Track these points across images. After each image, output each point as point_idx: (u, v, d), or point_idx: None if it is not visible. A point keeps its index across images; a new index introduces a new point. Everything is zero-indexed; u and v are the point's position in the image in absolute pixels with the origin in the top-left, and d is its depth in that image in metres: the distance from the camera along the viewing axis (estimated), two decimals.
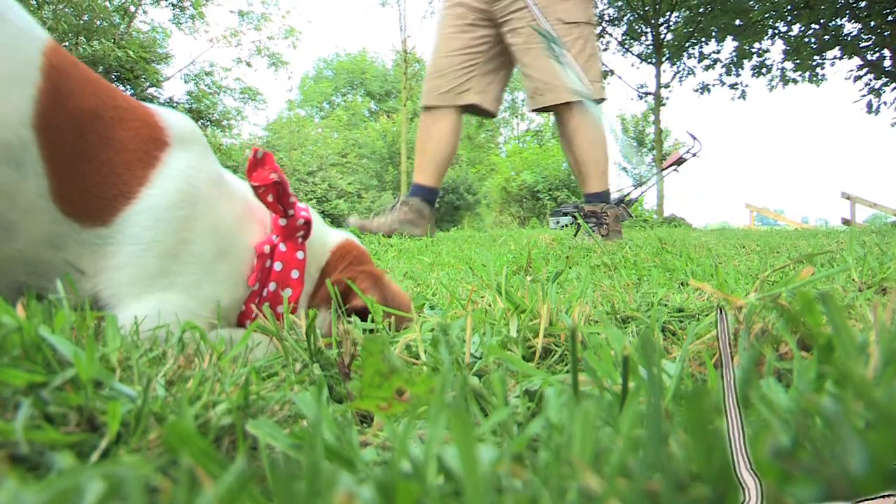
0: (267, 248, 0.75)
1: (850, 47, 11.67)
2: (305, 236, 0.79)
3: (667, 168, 9.59)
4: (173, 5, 16.78)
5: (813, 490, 0.22)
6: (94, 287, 0.62)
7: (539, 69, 3.08)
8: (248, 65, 18.55)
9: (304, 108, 34.54)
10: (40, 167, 0.58)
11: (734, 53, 13.98)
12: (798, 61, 12.72)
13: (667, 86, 15.02)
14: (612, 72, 15.68)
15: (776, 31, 12.94)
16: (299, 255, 0.77)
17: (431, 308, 0.96)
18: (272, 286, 0.75)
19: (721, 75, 14.46)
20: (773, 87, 13.57)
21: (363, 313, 0.79)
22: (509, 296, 0.70)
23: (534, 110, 3.19)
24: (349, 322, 0.71)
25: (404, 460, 0.25)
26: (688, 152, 9.47)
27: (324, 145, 22.53)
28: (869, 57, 11.63)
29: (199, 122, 16.96)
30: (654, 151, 16.66)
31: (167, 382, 0.43)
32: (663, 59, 14.68)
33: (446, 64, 3.25)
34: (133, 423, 0.34)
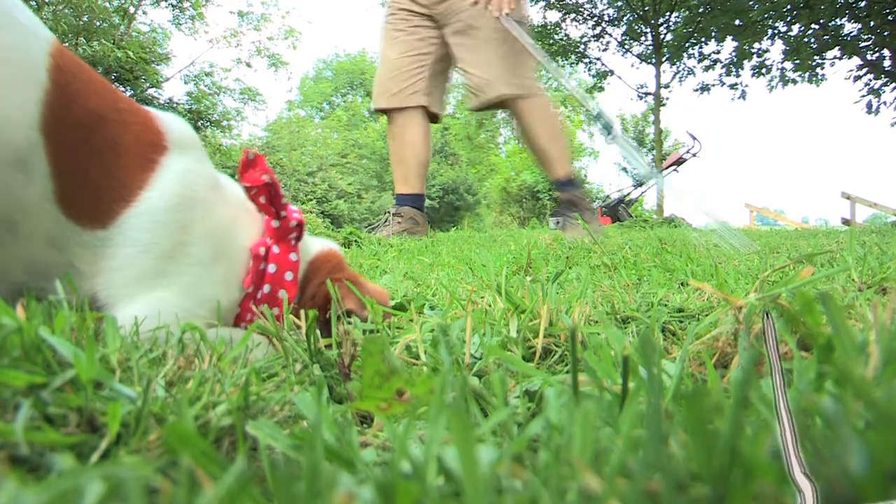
0: (262, 250, 0.75)
1: (849, 47, 11.67)
2: (298, 238, 0.79)
3: (667, 168, 9.59)
4: (173, 6, 16.78)
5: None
6: (92, 288, 0.62)
7: (478, 66, 3.09)
8: (248, 65, 18.55)
9: (304, 108, 34.54)
10: (46, 170, 0.58)
11: (734, 53, 13.97)
12: (798, 61, 12.71)
13: (667, 86, 15.03)
14: (611, 72, 15.70)
15: (776, 31, 12.93)
16: (293, 256, 0.77)
17: (431, 308, 0.95)
18: (266, 288, 0.75)
19: (721, 75, 14.46)
20: (772, 87, 13.56)
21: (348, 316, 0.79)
22: (509, 296, 0.70)
23: (476, 109, 3.20)
24: (349, 323, 0.71)
25: (404, 461, 0.25)
26: (688, 152, 9.47)
27: (324, 146, 22.53)
28: (869, 57, 11.63)
29: (199, 123, 16.96)
30: (654, 151, 16.65)
31: (167, 383, 0.43)
32: (663, 59, 14.69)
33: (395, 66, 3.27)
34: (133, 424, 0.34)
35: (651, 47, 14.88)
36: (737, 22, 12.93)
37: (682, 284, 1.20)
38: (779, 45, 13.31)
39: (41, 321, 0.42)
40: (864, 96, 11.86)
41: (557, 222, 3.33)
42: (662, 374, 0.40)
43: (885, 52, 11.37)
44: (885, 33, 10.95)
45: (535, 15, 15.25)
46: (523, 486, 0.25)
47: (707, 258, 1.66)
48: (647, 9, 14.49)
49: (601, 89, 16.16)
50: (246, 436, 0.36)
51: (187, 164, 0.69)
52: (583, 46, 15.55)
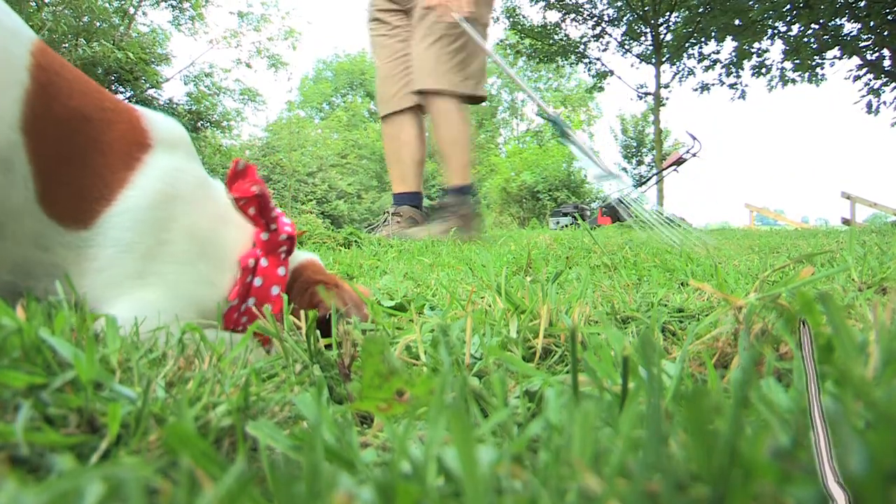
0: (251, 262, 0.73)
1: (849, 47, 11.66)
2: (289, 252, 0.77)
3: (667, 168, 9.60)
4: (173, 7, 16.78)
5: (813, 490, 0.22)
6: (79, 289, 0.62)
7: (424, 51, 3.17)
8: (248, 66, 18.54)
9: (304, 109, 34.56)
10: (27, 170, 0.58)
11: (734, 53, 13.97)
12: (798, 61, 12.71)
13: (666, 86, 15.02)
14: (611, 72, 15.69)
15: (776, 31, 12.93)
16: (280, 271, 0.75)
17: (431, 309, 0.95)
18: (251, 301, 0.73)
19: (721, 75, 14.46)
20: (772, 87, 13.56)
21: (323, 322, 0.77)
22: (509, 296, 0.70)
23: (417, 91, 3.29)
24: (348, 324, 0.70)
25: (404, 461, 0.25)
26: (687, 152, 9.47)
27: (323, 146, 22.53)
28: (868, 57, 11.62)
29: (199, 124, 16.96)
30: (655, 151, 16.64)
31: (167, 384, 0.43)
32: (663, 59, 14.68)
33: (384, 73, 3.36)
34: (133, 425, 0.34)
35: (651, 47, 14.88)
36: (737, 22, 12.92)
37: (682, 284, 1.20)
38: (779, 45, 13.31)
39: (41, 322, 0.42)
40: (863, 96, 11.87)
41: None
42: (662, 374, 0.40)
43: (885, 51, 11.37)
44: (885, 33, 10.94)
45: (535, 15, 15.27)
46: (523, 487, 0.25)
47: (707, 258, 1.66)
48: (646, 9, 14.49)
49: (601, 89, 16.16)
50: (246, 436, 0.36)
51: (172, 162, 0.68)
52: (583, 46, 15.54)
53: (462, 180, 3.23)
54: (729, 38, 13.74)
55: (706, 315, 0.77)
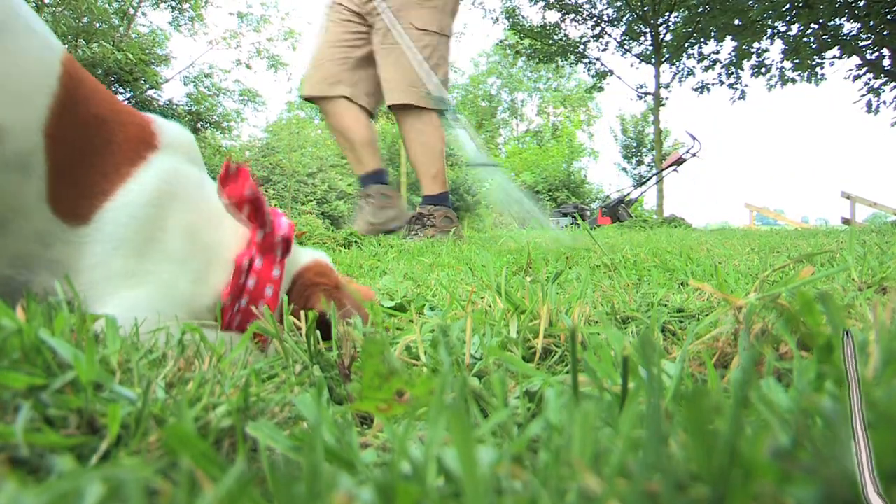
0: (246, 262, 0.73)
1: (849, 47, 11.66)
2: (285, 253, 0.76)
3: (666, 168, 9.59)
4: (172, 7, 16.79)
5: (813, 490, 0.22)
6: (77, 286, 0.62)
7: (388, 69, 3.21)
8: (248, 67, 18.56)
9: (304, 109, 34.50)
10: (43, 170, 0.59)
11: (733, 53, 13.96)
12: (797, 61, 12.71)
13: (666, 86, 15.02)
14: (611, 72, 15.69)
15: (775, 31, 12.92)
16: (275, 272, 0.74)
17: (431, 309, 0.95)
18: (244, 302, 0.73)
19: (720, 75, 14.45)
20: (772, 86, 13.56)
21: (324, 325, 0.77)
22: (509, 296, 0.70)
23: (388, 107, 3.33)
24: (349, 324, 0.70)
25: (404, 462, 0.25)
26: (687, 152, 9.47)
27: (323, 147, 22.54)
28: (868, 56, 11.62)
29: (199, 125, 16.97)
30: (655, 152, 16.63)
31: (167, 385, 0.43)
32: (662, 59, 14.68)
33: (321, 55, 3.36)
34: (133, 426, 0.34)
35: (650, 47, 14.87)
36: (736, 22, 12.92)
37: (682, 284, 1.20)
38: (778, 45, 13.31)
39: (41, 323, 0.42)
40: (863, 96, 11.86)
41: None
42: (662, 374, 0.40)
43: (885, 51, 11.37)
44: (885, 33, 10.94)
45: (535, 15, 15.28)
46: (523, 487, 0.25)
47: (707, 258, 1.66)
48: (646, 9, 14.49)
49: (601, 89, 16.15)
50: (246, 437, 0.36)
51: (173, 163, 0.69)
52: (582, 46, 15.53)
53: (438, 188, 3.31)
54: (728, 37, 13.74)
55: (706, 315, 0.77)
